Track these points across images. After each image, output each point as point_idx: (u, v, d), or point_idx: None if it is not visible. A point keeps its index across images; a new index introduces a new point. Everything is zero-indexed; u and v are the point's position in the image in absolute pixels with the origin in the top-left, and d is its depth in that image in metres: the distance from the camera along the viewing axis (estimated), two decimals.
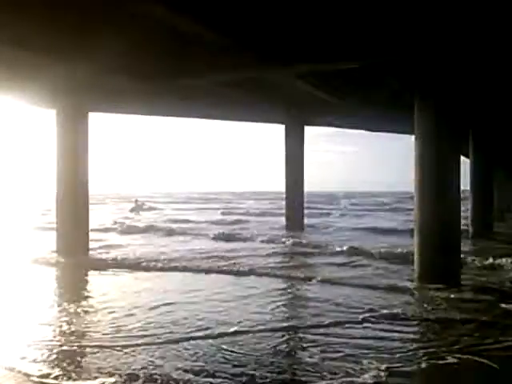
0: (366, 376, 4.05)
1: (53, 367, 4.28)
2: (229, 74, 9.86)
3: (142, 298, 6.99)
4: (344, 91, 12.04)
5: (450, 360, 4.45)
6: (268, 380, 4.03)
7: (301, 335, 5.26)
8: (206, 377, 4.09)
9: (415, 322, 5.74)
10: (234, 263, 9.82)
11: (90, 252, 11.37)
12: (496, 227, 16.38)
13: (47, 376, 4.10)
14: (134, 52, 8.18)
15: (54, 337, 5.15)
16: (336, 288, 7.67)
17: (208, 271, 9.15)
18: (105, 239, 14.14)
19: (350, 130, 20.39)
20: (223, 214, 29.75)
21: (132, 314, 6.03)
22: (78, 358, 4.53)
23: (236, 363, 4.38)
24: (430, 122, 7.65)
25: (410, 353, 4.64)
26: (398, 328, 5.47)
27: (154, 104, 13.49)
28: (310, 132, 29.89)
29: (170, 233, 16.61)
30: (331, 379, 4.01)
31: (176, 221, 22.37)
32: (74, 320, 5.77)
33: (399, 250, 10.95)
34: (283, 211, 17.88)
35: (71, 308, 6.35)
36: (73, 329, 5.40)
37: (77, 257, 10.47)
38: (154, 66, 9.40)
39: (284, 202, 17.44)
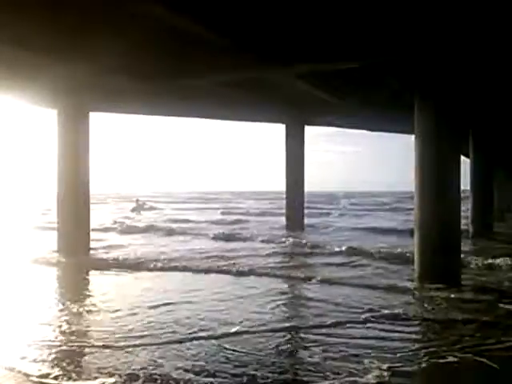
0: (369, 376, 4.05)
1: (53, 367, 4.28)
2: (229, 74, 9.86)
3: (142, 297, 6.99)
4: (344, 91, 12.04)
5: (452, 360, 4.46)
6: (270, 380, 4.03)
7: (302, 335, 5.26)
8: (206, 376, 4.09)
9: (416, 322, 5.74)
10: (234, 263, 9.82)
11: (91, 252, 11.38)
12: (496, 227, 16.38)
13: (47, 376, 4.10)
14: (134, 52, 8.18)
15: (55, 337, 5.15)
16: (336, 288, 7.67)
17: (208, 271, 9.16)
18: (106, 239, 14.15)
19: (350, 130, 20.40)
20: (223, 213, 29.75)
21: (133, 314, 6.03)
22: (78, 358, 4.54)
23: (238, 363, 4.38)
24: (430, 122, 7.65)
25: (412, 353, 4.64)
26: (399, 328, 5.48)
27: (154, 104, 13.49)
28: (310, 132, 29.89)
29: (171, 232, 16.62)
30: (334, 379, 4.01)
31: (176, 220, 22.38)
32: (75, 320, 5.78)
33: (399, 250, 10.96)
34: (283, 211, 17.88)
35: (71, 308, 6.35)
36: (73, 329, 5.41)
37: (78, 257, 10.49)
38: (153, 66, 9.40)
39: (284, 202, 17.44)
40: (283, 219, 17.57)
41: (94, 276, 8.98)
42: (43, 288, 7.85)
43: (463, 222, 8.67)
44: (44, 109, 12.24)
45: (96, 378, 4.05)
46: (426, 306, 6.37)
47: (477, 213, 15.57)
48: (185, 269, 9.37)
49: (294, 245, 12.79)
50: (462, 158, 8.68)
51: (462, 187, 8.04)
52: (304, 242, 13.17)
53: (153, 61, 9.08)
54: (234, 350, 4.70)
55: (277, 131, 20.35)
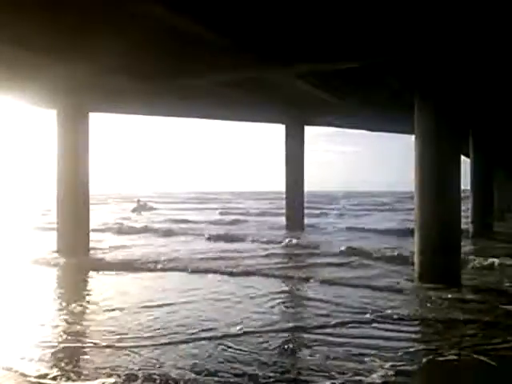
0: (375, 376, 4.05)
1: (51, 367, 4.27)
2: (229, 74, 9.86)
3: (142, 298, 6.98)
4: (344, 91, 12.04)
5: (454, 359, 4.47)
6: (273, 380, 4.03)
7: (305, 335, 5.23)
8: (207, 376, 4.09)
9: (418, 323, 5.74)
10: (234, 264, 9.82)
11: (91, 252, 11.37)
12: (496, 227, 16.38)
13: (45, 376, 4.08)
14: (134, 52, 8.17)
15: (54, 337, 5.15)
16: (336, 288, 7.65)
17: (208, 272, 9.13)
18: (106, 239, 14.14)
19: (350, 130, 20.40)
20: (223, 214, 29.76)
21: (133, 314, 6.03)
22: (78, 359, 4.53)
23: (240, 363, 4.37)
24: (430, 122, 7.65)
25: (416, 353, 4.64)
26: (402, 328, 5.48)
27: (154, 104, 13.49)
28: (309, 132, 29.87)
29: (170, 233, 16.58)
30: (339, 379, 4.01)
31: (176, 221, 22.37)
32: (75, 320, 5.78)
33: (398, 250, 10.95)
34: (283, 211, 17.88)
35: (70, 308, 6.35)
36: (73, 329, 5.41)
37: (77, 257, 10.48)
38: (154, 66, 9.40)
39: (284, 202, 17.44)
40: (283, 219, 17.57)
41: (94, 277, 8.96)
42: (42, 288, 7.85)
43: (463, 221, 8.66)
44: (43, 109, 12.24)
45: (96, 378, 4.05)
46: (426, 306, 6.37)
47: (477, 213, 15.57)
48: (184, 269, 9.34)
49: (293, 245, 12.76)
50: (462, 157, 8.67)
51: (462, 187, 8.04)
52: (304, 242, 13.17)
53: (153, 61, 9.07)
54: (236, 350, 4.69)
55: (277, 131, 20.35)
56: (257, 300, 6.84)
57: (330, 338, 5.06)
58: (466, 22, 7.35)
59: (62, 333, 5.27)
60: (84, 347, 4.81)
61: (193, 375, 4.08)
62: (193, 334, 5.22)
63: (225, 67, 9.37)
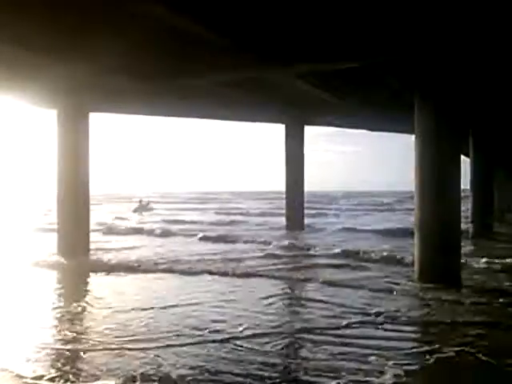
0: (387, 377, 4.06)
1: (49, 369, 4.26)
2: (229, 74, 9.85)
3: (142, 299, 6.99)
4: (344, 91, 12.03)
5: (460, 360, 4.49)
6: (278, 380, 4.03)
7: (312, 337, 5.20)
8: (211, 375, 4.09)
9: (419, 323, 5.76)
10: (235, 265, 9.81)
11: (91, 253, 11.36)
12: (496, 227, 16.38)
13: (41, 377, 4.07)
14: (134, 52, 8.17)
15: (52, 339, 5.15)
16: (336, 290, 7.63)
17: (209, 273, 9.11)
18: (106, 240, 14.14)
19: (350, 130, 20.41)
20: (224, 214, 29.77)
21: (133, 316, 6.04)
22: (77, 360, 4.53)
23: (247, 364, 4.37)
24: (430, 122, 7.65)
25: (422, 353, 4.65)
26: (406, 329, 5.50)
27: (154, 104, 13.49)
28: (309, 132, 29.88)
29: (170, 234, 16.56)
30: (350, 380, 4.01)
31: (176, 221, 22.34)
32: (75, 322, 5.79)
33: (398, 250, 10.94)
34: (283, 211, 17.86)
35: (70, 310, 6.36)
36: (73, 330, 5.41)
37: (77, 258, 10.47)
38: (154, 66, 9.40)
39: (284, 202, 17.42)
40: (283, 219, 17.54)
41: (93, 278, 8.96)
42: (42, 291, 7.83)
43: (463, 221, 8.66)
44: (44, 109, 12.24)
45: (95, 379, 4.04)
46: (427, 306, 6.37)
47: (477, 213, 15.57)
48: (184, 271, 9.30)
49: (293, 246, 12.72)
50: (462, 157, 8.67)
51: (462, 187, 8.04)
52: (304, 242, 13.15)
53: (153, 61, 9.07)
54: (243, 352, 4.70)
55: (277, 131, 20.34)
56: (258, 301, 6.83)
57: (336, 339, 5.05)
58: (465, 23, 7.35)
59: (60, 334, 5.27)
60: (83, 349, 4.81)
61: (199, 377, 4.08)
62: (201, 336, 5.19)
63: (225, 67, 9.37)
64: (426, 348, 4.77)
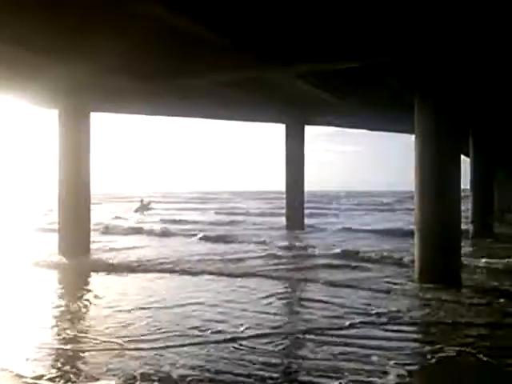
0: (390, 377, 4.06)
1: (49, 368, 4.27)
2: (229, 74, 9.86)
3: (142, 299, 6.99)
4: (344, 91, 12.03)
5: (462, 360, 4.49)
6: (280, 381, 4.03)
7: (313, 337, 5.19)
8: (211, 375, 4.09)
9: (420, 324, 5.76)
10: (235, 265, 9.81)
11: (92, 253, 11.36)
12: (496, 227, 16.37)
13: (41, 377, 4.07)
14: (134, 52, 8.18)
15: (53, 338, 5.16)
16: (336, 290, 7.63)
17: (209, 273, 9.11)
18: (106, 240, 14.12)
19: (350, 130, 20.46)
20: (224, 214, 29.76)
21: (134, 315, 6.04)
22: (78, 359, 4.54)
23: (249, 364, 4.37)
24: (430, 121, 7.65)
25: (423, 354, 4.65)
26: (409, 329, 5.50)
27: (154, 104, 13.50)
28: (309, 132, 29.85)
29: (171, 234, 16.52)
30: (353, 380, 4.02)
31: (176, 221, 22.30)
32: (75, 322, 5.79)
33: (398, 250, 10.94)
34: (283, 211, 17.86)
35: (72, 309, 6.37)
36: (74, 331, 5.41)
37: (78, 258, 10.48)
38: (154, 66, 9.40)
39: (284, 202, 17.42)
40: (283, 219, 17.53)
41: (94, 278, 8.97)
42: (43, 290, 7.84)
43: (463, 222, 8.65)
44: (45, 109, 12.25)
45: (95, 379, 4.04)
46: (428, 306, 6.36)
47: (477, 213, 15.56)
48: (185, 271, 9.28)
49: (293, 246, 12.72)
50: (462, 157, 8.68)
51: (462, 187, 8.04)
52: (304, 243, 13.14)
53: (153, 61, 9.08)
54: (243, 351, 4.70)
55: (277, 131, 20.34)
56: (259, 301, 6.84)
57: (337, 340, 5.05)
58: (465, 23, 7.35)
59: (60, 334, 5.28)
60: (83, 348, 4.81)
61: (200, 377, 4.08)
62: (201, 335, 5.20)
63: (225, 67, 9.37)
64: (428, 348, 4.77)
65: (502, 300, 6.67)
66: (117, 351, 4.69)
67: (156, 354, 4.61)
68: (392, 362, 4.37)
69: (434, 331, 5.42)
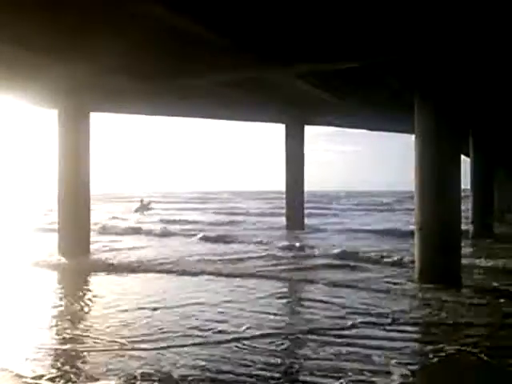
0: (395, 377, 4.06)
1: (51, 369, 4.26)
2: (229, 74, 9.86)
3: (142, 299, 6.98)
4: (344, 91, 12.03)
5: (463, 360, 4.50)
6: (282, 381, 4.03)
7: (315, 337, 5.17)
8: (213, 375, 4.09)
9: (421, 324, 5.75)
10: (235, 266, 9.80)
11: (91, 253, 11.36)
12: (496, 227, 16.36)
13: (41, 377, 4.06)
14: (134, 52, 8.17)
15: (53, 339, 5.16)
16: (337, 290, 7.62)
17: (209, 273, 9.10)
18: (106, 240, 14.11)
19: (350, 130, 20.46)
20: (224, 213, 29.76)
21: (134, 315, 6.04)
22: (78, 359, 4.53)
23: (251, 365, 4.36)
24: (430, 121, 7.65)
25: (425, 354, 4.65)
26: (410, 329, 5.50)
27: (154, 104, 13.49)
28: (309, 132, 29.86)
29: (171, 233, 16.54)
30: (358, 380, 4.02)
31: (176, 221, 22.29)
32: (75, 322, 5.78)
33: (398, 250, 10.94)
34: (283, 211, 17.85)
35: (72, 309, 6.36)
36: (74, 331, 5.41)
37: (78, 258, 10.47)
38: (154, 66, 9.40)
39: (284, 202, 17.41)
40: (283, 219, 17.52)
41: (93, 278, 8.96)
42: (42, 290, 7.84)
43: (463, 222, 8.65)
44: (45, 109, 12.24)
45: (95, 380, 4.03)
46: (428, 307, 6.36)
47: (477, 213, 15.56)
48: (184, 271, 9.26)
49: (293, 246, 12.69)
50: (462, 157, 8.68)
51: (462, 187, 8.04)
52: (304, 243, 13.13)
53: (153, 61, 9.08)
54: (244, 351, 4.70)
55: (277, 131, 20.34)
56: (259, 301, 6.83)
57: (339, 340, 5.04)
58: (465, 23, 7.35)
59: (60, 334, 5.27)
60: (83, 348, 4.81)
61: (201, 376, 4.07)
62: (201, 335, 5.19)
63: (225, 67, 9.37)
64: (429, 348, 4.77)
65: (502, 300, 6.68)
66: (117, 351, 4.69)
67: (156, 354, 4.60)
68: (394, 362, 4.37)
69: (434, 331, 5.41)
